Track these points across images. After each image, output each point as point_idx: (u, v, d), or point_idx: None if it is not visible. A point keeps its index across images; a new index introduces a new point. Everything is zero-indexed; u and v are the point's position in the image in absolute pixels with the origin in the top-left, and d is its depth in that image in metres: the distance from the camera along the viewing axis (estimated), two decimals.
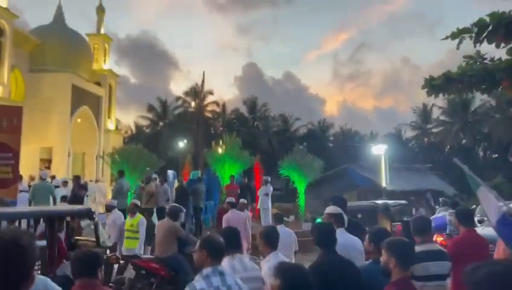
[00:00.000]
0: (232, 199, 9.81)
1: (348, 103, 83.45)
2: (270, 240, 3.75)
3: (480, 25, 7.08)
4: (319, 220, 16.75)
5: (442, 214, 11.36)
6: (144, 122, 45.05)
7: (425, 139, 46.34)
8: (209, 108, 44.40)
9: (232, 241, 3.47)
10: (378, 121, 69.10)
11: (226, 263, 3.37)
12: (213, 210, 15.55)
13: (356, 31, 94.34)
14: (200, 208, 13.79)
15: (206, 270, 2.95)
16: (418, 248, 3.99)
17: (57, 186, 13.69)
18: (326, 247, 3.50)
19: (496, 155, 42.71)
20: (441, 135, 44.02)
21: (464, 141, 43.06)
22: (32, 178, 15.55)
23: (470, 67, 8.10)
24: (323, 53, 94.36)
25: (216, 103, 44.59)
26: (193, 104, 41.44)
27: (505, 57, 7.50)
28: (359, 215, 9.02)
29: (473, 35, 7.18)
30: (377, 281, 3.35)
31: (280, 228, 6.62)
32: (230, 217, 8.85)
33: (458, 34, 7.33)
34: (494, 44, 7.17)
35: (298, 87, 75.88)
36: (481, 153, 44.74)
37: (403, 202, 11.23)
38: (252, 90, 55.13)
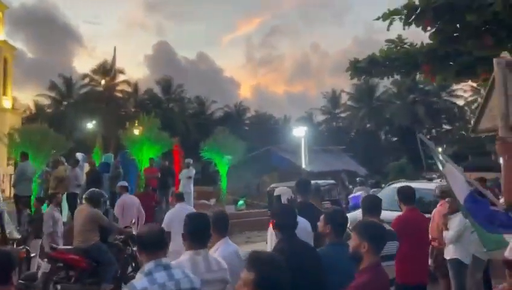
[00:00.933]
0: (124, 183, 9.55)
1: (261, 86, 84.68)
2: (217, 226, 3.34)
3: (410, 7, 7.25)
4: (241, 202, 16.74)
5: (360, 193, 11.85)
6: (45, 102, 41.21)
7: (334, 123, 48.85)
8: (119, 87, 41.94)
9: (198, 234, 3.01)
10: (290, 105, 71.17)
11: (187, 260, 2.90)
12: None
13: (270, 15, 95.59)
14: (117, 193, 12.79)
15: (148, 266, 2.50)
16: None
17: None
18: (287, 231, 3.23)
19: (396, 138, 46.55)
20: (349, 119, 46.73)
21: (368, 125, 46.21)
22: None
23: (394, 51, 8.33)
24: (237, 35, 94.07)
25: (127, 82, 42.26)
26: (102, 82, 38.71)
27: (427, 41, 7.82)
28: (292, 196, 8.99)
29: (403, 17, 7.35)
30: (338, 265, 3.16)
31: (180, 206, 6.67)
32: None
33: (389, 16, 7.43)
34: (421, 27, 7.42)
35: (213, 69, 74.85)
36: (383, 137, 48.37)
37: (332, 181, 11.55)
38: (164, 70, 53.14)
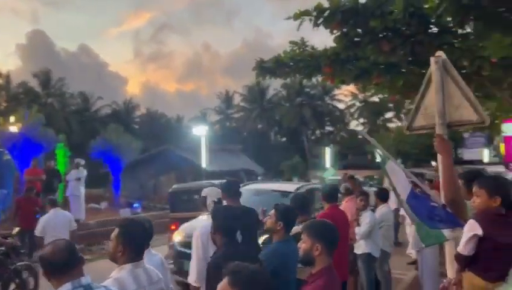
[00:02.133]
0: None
1: (151, 84, 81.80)
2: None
3: (319, 9, 7.46)
4: (136, 205, 15.74)
5: None
6: None
7: (228, 123, 49.35)
8: None
9: (137, 245, 2.55)
10: (181, 104, 70.05)
11: (127, 275, 2.45)
12: (4, 200, 12.76)
13: (159, 12, 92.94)
14: None
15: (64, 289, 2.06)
16: (298, 228, 3.84)
17: None
18: (231, 234, 2.95)
19: (285, 139, 48.78)
20: (242, 120, 47.62)
21: (260, 125, 47.63)
22: None
23: (298, 53, 8.56)
24: (124, 30, 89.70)
25: None
26: None
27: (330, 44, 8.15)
28: (196, 197, 8.68)
29: (312, 18, 7.55)
30: (290, 261, 3.13)
31: (55, 212, 6.56)
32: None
33: (299, 16, 7.58)
34: (329, 30, 7.69)
35: (96, 62, 70.06)
36: (272, 137, 50.29)
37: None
38: (41, 61, 47.82)
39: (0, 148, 13.84)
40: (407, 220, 7.13)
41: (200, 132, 15.31)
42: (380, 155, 3.12)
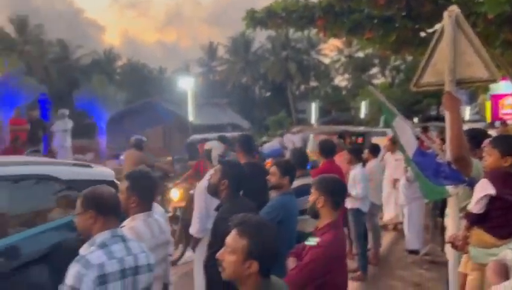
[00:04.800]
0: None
1: (130, 33, 79.08)
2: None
3: None
4: (122, 156, 15.63)
5: (277, 144, 12.07)
6: None
7: (211, 76, 48.54)
8: None
9: (149, 194, 2.56)
10: (163, 55, 68.23)
11: (142, 224, 2.48)
12: None
13: None
14: None
15: (102, 236, 2.07)
16: (298, 182, 3.89)
17: None
18: (236, 189, 2.97)
19: (269, 93, 48.43)
20: (226, 73, 46.83)
21: (244, 79, 47.01)
22: None
23: (291, 4, 8.34)
24: None
25: None
26: None
27: None
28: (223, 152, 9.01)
29: None
30: (293, 214, 3.24)
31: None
32: None
33: None
34: None
35: (71, 9, 66.85)
36: (257, 91, 49.87)
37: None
38: (12, 6, 45.15)
39: None
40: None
41: (186, 84, 15.02)
42: (389, 111, 3.12)
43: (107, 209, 2.10)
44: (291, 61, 44.37)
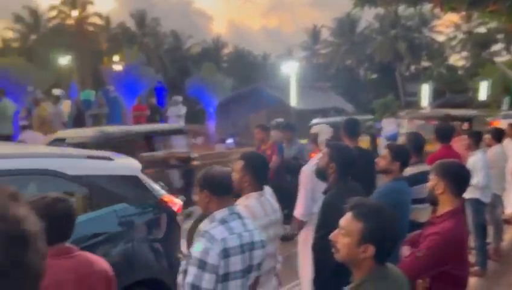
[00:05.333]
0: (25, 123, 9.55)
1: (236, 21, 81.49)
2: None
3: None
4: (230, 140, 16.38)
5: (393, 126, 11.73)
6: (12, 35, 38.41)
7: (314, 60, 47.99)
8: (89, 20, 39.38)
9: (261, 174, 2.68)
10: (267, 41, 69.09)
11: (255, 203, 2.60)
12: None
13: None
14: None
15: (221, 213, 2.19)
16: (413, 169, 3.69)
17: None
18: (346, 175, 2.93)
19: (376, 75, 46.37)
20: (329, 56, 45.93)
21: (349, 61, 45.62)
22: None
23: None
24: None
25: (98, 15, 39.65)
26: (73, 14, 36.18)
27: None
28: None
29: None
30: (406, 201, 3.09)
31: None
32: (27, 138, 7.90)
33: None
34: None
35: (182, 0, 70.83)
36: (362, 73, 48.08)
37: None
38: (134, 1, 49.42)
39: (107, 85, 15.04)
40: None
41: (289, 69, 15.06)
42: None
43: (220, 189, 2.23)
44: (400, 40, 41.84)
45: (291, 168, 5.78)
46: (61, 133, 7.22)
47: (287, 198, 4.13)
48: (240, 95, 17.11)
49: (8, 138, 9.76)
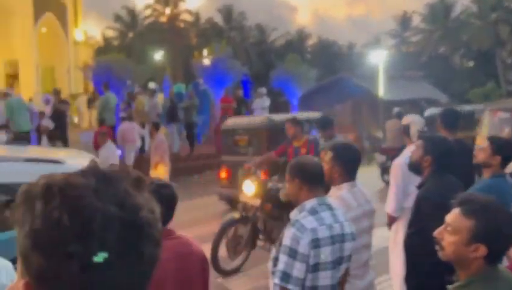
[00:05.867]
0: (124, 115, 10.83)
1: (320, 11, 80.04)
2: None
3: None
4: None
5: None
6: (112, 34, 41.83)
7: (404, 48, 45.58)
8: (181, 17, 41.46)
9: (353, 165, 2.68)
10: (353, 30, 67.06)
11: (346, 194, 2.61)
12: (203, 126, 14.70)
13: None
14: (194, 124, 12.82)
15: (311, 203, 2.20)
16: None
17: None
18: (442, 168, 2.79)
19: (473, 63, 42.76)
20: (420, 44, 43.30)
21: (442, 49, 42.57)
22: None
23: None
24: None
25: (189, 11, 41.54)
26: (167, 11, 38.42)
27: None
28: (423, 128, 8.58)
29: None
30: (508, 198, 2.80)
31: None
32: (125, 128, 9.85)
33: None
34: None
35: None
36: (457, 61, 44.61)
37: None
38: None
39: (197, 79, 15.76)
40: None
41: (377, 58, 14.48)
42: None
43: (311, 178, 2.25)
44: (502, 24, 38.05)
45: None
46: (230, 121, 8.55)
47: None
48: (324, 86, 16.89)
49: (112, 128, 10.73)
